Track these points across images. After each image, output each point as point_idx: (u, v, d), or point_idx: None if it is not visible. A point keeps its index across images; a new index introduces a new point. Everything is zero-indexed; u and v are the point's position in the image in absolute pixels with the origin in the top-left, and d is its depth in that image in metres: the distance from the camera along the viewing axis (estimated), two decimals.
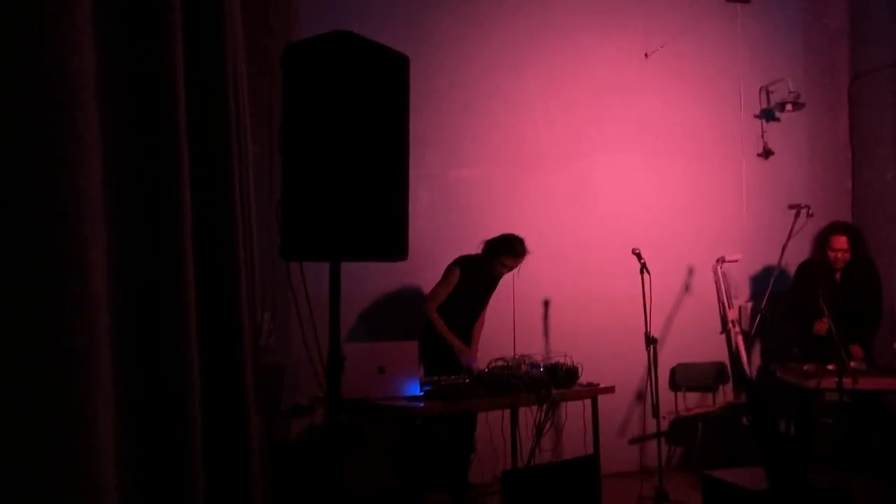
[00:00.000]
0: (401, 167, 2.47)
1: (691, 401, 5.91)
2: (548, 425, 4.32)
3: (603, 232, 5.76)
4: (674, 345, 5.83)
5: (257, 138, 3.48)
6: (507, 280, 4.84)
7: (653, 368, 4.94)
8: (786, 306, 5.42)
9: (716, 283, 5.80)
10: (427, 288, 4.85)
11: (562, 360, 4.23)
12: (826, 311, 4.51)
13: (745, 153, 6.28)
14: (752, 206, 6.24)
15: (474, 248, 4.80)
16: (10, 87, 1.29)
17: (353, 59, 2.33)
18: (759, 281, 6.10)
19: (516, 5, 5.70)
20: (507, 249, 4.61)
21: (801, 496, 3.45)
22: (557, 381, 4.13)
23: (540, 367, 4.23)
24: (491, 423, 4.65)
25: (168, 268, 1.73)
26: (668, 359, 5.77)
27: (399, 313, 5.11)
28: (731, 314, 5.88)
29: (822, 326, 4.97)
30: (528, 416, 4.28)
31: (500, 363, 4.28)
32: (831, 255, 5.13)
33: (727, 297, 5.85)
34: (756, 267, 6.18)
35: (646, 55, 5.97)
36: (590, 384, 4.34)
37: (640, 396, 5.81)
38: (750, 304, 6.15)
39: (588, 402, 4.41)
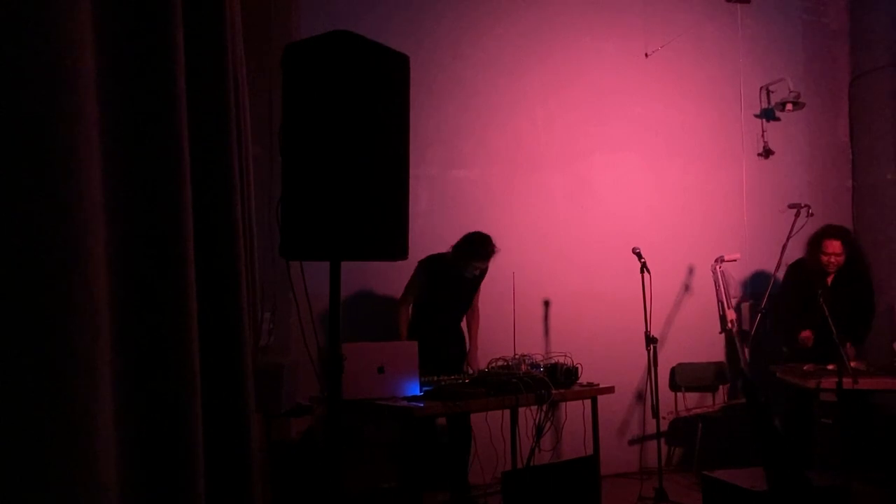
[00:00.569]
0: (401, 167, 2.47)
1: (691, 401, 5.91)
2: (547, 425, 4.32)
3: (603, 232, 5.77)
4: (674, 345, 5.83)
5: (257, 138, 3.49)
6: (507, 280, 4.84)
7: (653, 368, 4.94)
8: (779, 309, 5.38)
9: (715, 282, 5.80)
10: None
11: (562, 360, 4.23)
12: (826, 311, 4.50)
13: (745, 153, 6.28)
14: (752, 205, 6.24)
15: None
16: (10, 87, 1.29)
17: (353, 59, 2.33)
18: (759, 280, 6.10)
19: (516, 5, 5.70)
20: (475, 253, 4.62)
21: (800, 496, 3.45)
22: (557, 381, 4.13)
23: (540, 367, 4.23)
24: (491, 424, 4.65)
25: (168, 268, 1.73)
26: (668, 359, 5.77)
27: None
28: (731, 314, 5.87)
29: (807, 337, 4.97)
30: (528, 416, 4.28)
31: (500, 363, 4.28)
32: (824, 259, 5.12)
33: (726, 297, 5.85)
34: (756, 266, 6.18)
35: (646, 55, 5.98)
36: (589, 384, 4.34)
37: (640, 396, 5.81)
38: (749, 304, 6.15)
39: (588, 402, 4.41)
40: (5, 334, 1.27)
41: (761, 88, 6.32)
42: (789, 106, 6.06)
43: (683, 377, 5.88)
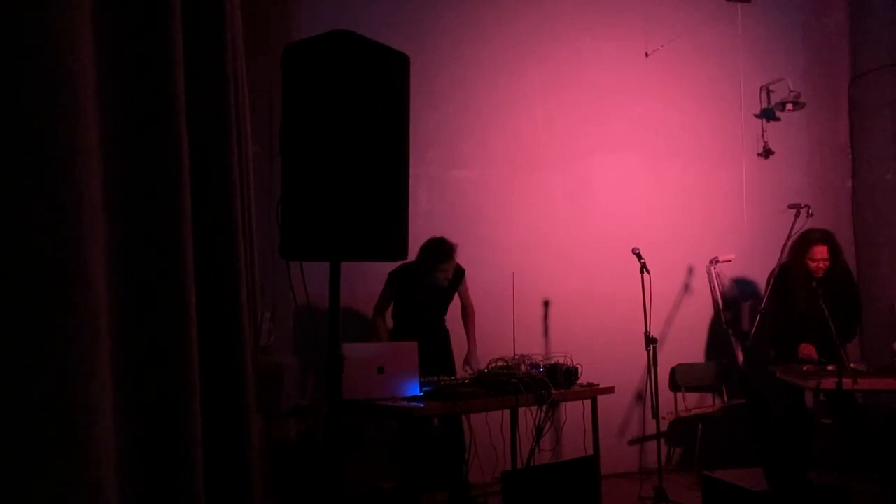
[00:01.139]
0: (401, 167, 2.47)
1: (691, 401, 5.91)
2: (547, 426, 4.32)
3: (603, 232, 5.77)
4: (674, 345, 5.83)
5: (257, 138, 3.48)
6: (507, 280, 4.84)
7: (652, 368, 4.94)
8: (768, 317, 5.33)
9: (710, 284, 5.79)
10: None
11: (561, 361, 4.23)
12: (826, 311, 4.50)
13: (745, 153, 6.28)
14: (752, 205, 6.24)
15: (475, 247, 4.82)
16: (10, 86, 1.29)
17: (353, 58, 2.33)
18: (759, 280, 6.10)
19: (516, 5, 5.70)
20: (437, 257, 4.61)
21: (800, 496, 3.45)
22: (557, 381, 4.12)
23: (539, 368, 4.22)
24: (491, 424, 4.65)
25: (168, 268, 1.73)
26: (668, 359, 5.77)
27: None
28: (725, 315, 5.87)
29: (809, 354, 4.96)
30: (528, 416, 4.28)
31: (499, 363, 4.28)
32: (812, 265, 5.11)
33: (722, 299, 5.85)
34: (756, 266, 6.18)
35: (646, 55, 5.98)
36: (589, 384, 4.34)
37: (640, 397, 5.81)
38: (750, 304, 6.15)
39: (588, 402, 4.41)
40: (5, 334, 1.27)
41: (761, 88, 6.32)
42: (789, 106, 6.06)
43: (683, 377, 5.88)
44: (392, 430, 4.45)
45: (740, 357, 5.70)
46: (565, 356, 4.26)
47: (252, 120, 2.65)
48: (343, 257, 2.43)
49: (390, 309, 4.87)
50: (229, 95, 2.06)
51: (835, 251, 5.17)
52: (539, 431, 4.21)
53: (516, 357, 4.33)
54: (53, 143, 1.34)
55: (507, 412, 4.67)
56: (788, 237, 5.55)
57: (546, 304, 5.62)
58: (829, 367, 4.61)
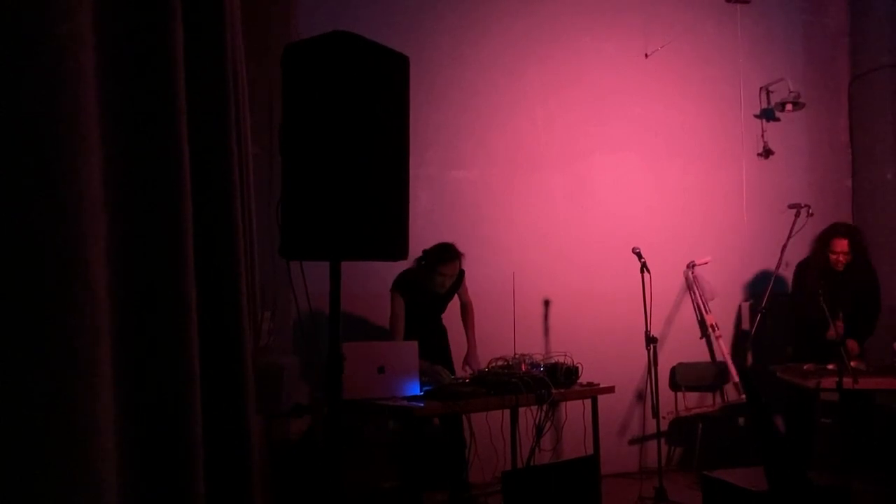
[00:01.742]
0: (401, 167, 2.47)
1: (691, 401, 5.91)
2: (547, 425, 4.32)
3: (603, 232, 5.77)
4: (674, 345, 5.83)
5: (257, 138, 3.48)
6: (507, 280, 4.84)
7: (653, 368, 4.94)
8: (793, 308, 5.37)
9: (689, 288, 5.76)
10: None
11: (562, 360, 4.23)
12: (826, 311, 4.50)
13: (745, 153, 6.28)
14: (752, 205, 6.24)
15: (475, 247, 4.81)
16: (10, 86, 1.29)
17: (353, 59, 2.33)
18: (759, 280, 6.10)
19: (516, 5, 5.70)
20: (438, 258, 4.56)
21: (800, 496, 3.45)
22: (557, 380, 4.13)
23: (540, 367, 4.23)
24: (491, 423, 4.65)
25: (168, 268, 1.73)
26: (668, 359, 5.78)
27: None
28: (710, 319, 5.85)
29: (838, 330, 4.95)
30: (528, 416, 4.28)
31: (499, 363, 4.28)
32: (832, 257, 5.12)
33: (703, 302, 5.84)
34: (756, 266, 6.18)
35: (646, 55, 5.98)
36: (590, 384, 4.34)
37: (640, 396, 5.81)
38: (750, 304, 6.15)
39: (588, 401, 4.42)
40: (5, 334, 1.27)
41: (761, 88, 6.32)
42: (789, 106, 6.06)
43: (683, 377, 5.89)
44: (392, 430, 4.46)
45: (729, 360, 5.70)
46: (565, 356, 4.26)
47: (252, 120, 2.65)
48: (343, 257, 2.43)
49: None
50: (229, 95, 2.05)
51: (857, 246, 5.15)
52: (539, 431, 4.21)
53: (516, 356, 4.33)
54: (53, 143, 1.34)
55: (507, 412, 4.67)
56: (788, 237, 5.56)
57: (546, 303, 5.62)
58: (829, 367, 4.61)
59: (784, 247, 5.58)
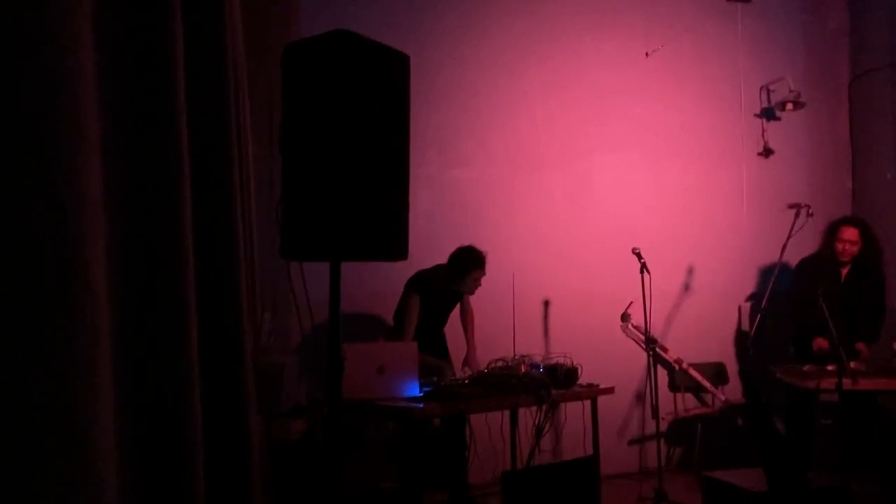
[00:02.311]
0: (401, 167, 2.47)
1: (691, 401, 5.91)
2: (547, 426, 4.32)
3: (603, 232, 5.77)
4: (674, 345, 5.83)
5: (257, 138, 3.48)
6: (506, 280, 4.84)
7: (652, 369, 4.94)
8: (791, 307, 5.36)
9: (634, 341, 5.49)
10: None
11: (561, 361, 4.23)
12: (826, 311, 4.49)
13: (745, 152, 6.28)
14: (752, 205, 6.25)
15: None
16: (11, 87, 1.29)
17: (353, 58, 2.32)
18: (759, 280, 6.10)
19: (516, 5, 5.70)
20: (474, 264, 4.56)
21: (800, 496, 3.45)
22: (557, 381, 4.13)
23: (540, 368, 4.23)
24: (491, 424, 4.65)
25: (168, 268, 1.73)
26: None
27: None
28: (671, 355, 5.78)
29: (822, 345, 4.94)
30: (528, 416, 4.28)
31: (499, 363, 4.28)
32: (839, 246, 5.06)
33: (658, 346, 5.59)
34: (756, 266, 6.18)
35: (646, 55, 5.98)
36: (589, 385, 4.34)
37: (640, 397, 5.81)
38: (750, 304, 6.15)
39: (588, 402, 4.41)
40: (5, 334, 1.27)
41: (761, 88, 6.33)
42: (789, 105, 6.06)
43: (683, 377, 5.88)
44: (392, 430, 4.45)
45: (707, 384, 5.68)
46: (565, 356, 4.26)
47: (252, 120, 2.65)
48: (343, 257, 2.42)
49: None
50: (229, 95, 2.05)
51: (866, 239, 5.08)
52: (539, 432, 4.21)
53: (516, 357, 4.33)
54: (53, 143, 1.34)
55: (506, 412, 4.67)
56: (788, 237, 5.55)
57: (546, 304, 5.62)
58: (829, 367, 4.61)
59: (784, 247, 5.57)
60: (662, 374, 5.67)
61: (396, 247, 2.47)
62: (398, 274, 4.70)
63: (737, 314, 6.22)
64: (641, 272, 4.89)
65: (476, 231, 4.88)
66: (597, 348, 5.03)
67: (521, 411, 4.43)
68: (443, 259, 4.76)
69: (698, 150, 6.17)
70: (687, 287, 6.05)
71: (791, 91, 6.02)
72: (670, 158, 6.09)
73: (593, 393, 4.36)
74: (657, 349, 5.54)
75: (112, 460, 1.44)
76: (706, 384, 5.74)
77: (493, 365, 4.29)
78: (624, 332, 5.64)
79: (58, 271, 1.33)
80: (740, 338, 6.12)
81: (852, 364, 4.56)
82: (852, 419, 4.81)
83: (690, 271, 6.07)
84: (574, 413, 4.56)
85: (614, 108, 5.93)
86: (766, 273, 5.99)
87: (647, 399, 5.24)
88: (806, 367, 4.77)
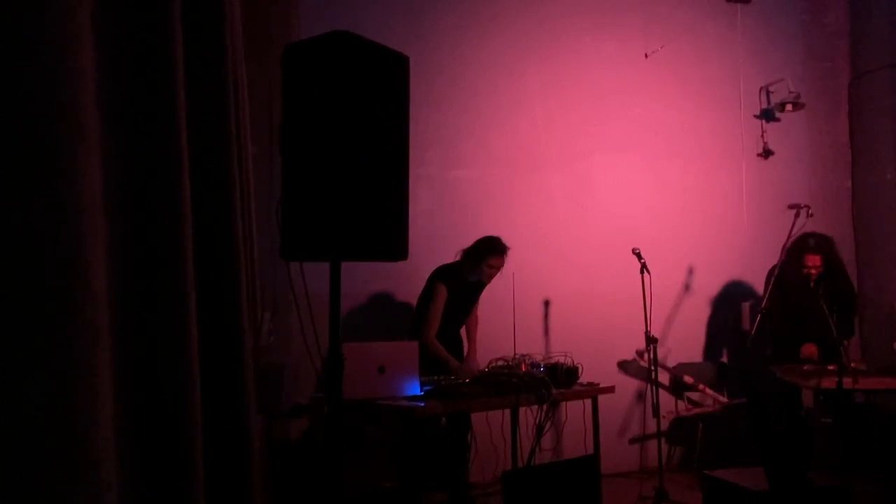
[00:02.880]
0: (401, 167, 2.47)
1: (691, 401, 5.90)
2: (548, 425, 4.31)
3: (603, 232, 5.76)
4: (674, 345, 5.83)
5: (257, 138, 3.48)
6: (507, 280, 4.83)
7: (652, 368, 4.94)
8: (766, 315, 5.30)
9: (655, 370, 5.05)
10: None
11: (562, 360, 4.23)
12: (826, 311, 4.50)
13: (745, 153, 6.28)
14: (752, 205, 6.24)
15: None
16: (11, 87, 1.29)
17: (353, 59, 2.32)
18: (760, 280, 6.09)
19: (516, 5, 5.70)
20: (490, 250, 4.58)
21: (801, 496, 3.45)
22: (557, 380, 4.12)
23: (540, 367, 4.22)
24: (491, 423, 4.65)
25: (168, 268, 1.73)
26: (668, 359, 5.77)
27: (399, 313, 5.10)
28: (688, 379, 5.76)
29: (812, 353, 4.95)
30: (528, 415, 4.28)
31: (500, 363, 4.28)
32: (804, 270, 5.12)
33: (680, 376, 5.63)
34: (756, 266, 6.17)
35: (646, 55, 5.97)
36: (590, 384, 4.34)
37: (640, 396, 5.81)
38: (750, 304, 6.15)
39: (588, 401, 4.41)
40: (5, 334, 1.27)
41: (761, 89, 6.32)
42: (789, 106, 6.06)
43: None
44: (392, 430, 4.45)
45: (713, 394, 5.68)
46: (566, 356, 4.26)
47: (252, 120, 2.65)
48: (343, 257, 2.42)
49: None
50: (229, 95, 2.06)
51: (829, 259, 5.14)
52: (539, 431, 4.21)
53: (517, 356, 4.33)
54: (53, 143, 1.34)
55: (507, 412, 4.67)
56: (788, 237, 5.54)
57: (546, 303, 5.62)
58: (830, 367, 4.61)
59: (784, 247, 5.57)
60: (663, 373, 5.66)
61: (396, 247, 2.47)
62: (398, 273, 4.71)
63: (737, 314, 6.21)
64: (641, 272, 4.89)
65: (476, 231, 4.87)
66: (597, 348, 5.03)
67: (522, 410, 4.43)
68: (443, 259, 4.76)
69: (698, 150, 6.17)
70: (687, 287, 6.05)
71: (791, 92, 6.01)
72: (670, 159, 6.09)
73: (594, 392, 4.36)
74: (680, 379, 5.58)
75: (112, 460, 1.44)
76: (721, 399, 5.71)
77: (493, 364, 4.29)
78: (639, 359, 5.65)
79: (58, 271, 1.33)
80: (740, 338, 6.12)
81: (853, 364, 4.56)
82: (852, 419, 4.82)
83: (690, 271, 6.06)
84: (575, 412, 4.56)
85: (614, 108, 5.93)
86: (765, 273, 5.98)
87: (648, 398, 5.24)
88: (806, 367, 4.77)
